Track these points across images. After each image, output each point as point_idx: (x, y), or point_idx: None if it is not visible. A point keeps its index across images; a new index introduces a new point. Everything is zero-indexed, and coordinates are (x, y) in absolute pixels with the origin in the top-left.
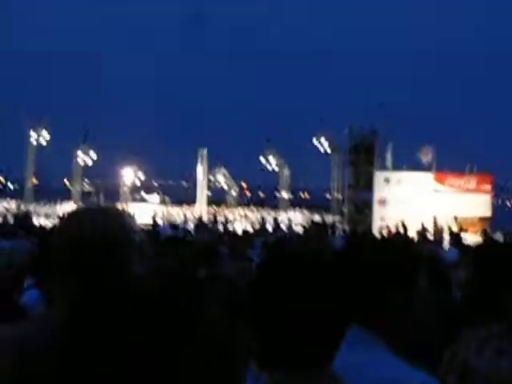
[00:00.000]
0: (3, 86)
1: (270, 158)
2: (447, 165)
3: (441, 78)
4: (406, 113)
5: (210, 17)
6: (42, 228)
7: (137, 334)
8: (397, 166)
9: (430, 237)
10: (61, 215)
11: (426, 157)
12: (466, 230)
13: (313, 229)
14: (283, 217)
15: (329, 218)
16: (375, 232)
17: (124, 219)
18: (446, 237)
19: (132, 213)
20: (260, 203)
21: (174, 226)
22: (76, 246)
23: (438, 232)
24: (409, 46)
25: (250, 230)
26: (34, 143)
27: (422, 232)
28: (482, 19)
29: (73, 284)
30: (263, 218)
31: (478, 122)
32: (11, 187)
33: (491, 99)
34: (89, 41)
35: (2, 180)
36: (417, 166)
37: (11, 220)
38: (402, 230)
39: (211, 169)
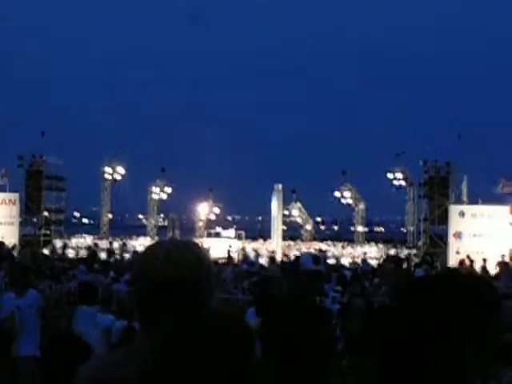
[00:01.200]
0: (79, 122)
1: (345, 191)
2: None
3: None
4: (481, 144)
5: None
6: (119, 262)
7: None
8: (472, 199)
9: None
10: (138, 250)
11: (504, 189)
12: None
13: (389, 264)
14: (358, 251)
15: (404, 252)
16: (451, 265)
17: (201, 253)
18: None
19: (207, 247)
20: (335, 237)
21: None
22: (150, 283)
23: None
24: (485, 72)
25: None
26: (109, 178)
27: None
28: None
29: (162, 320)
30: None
31: None
32: (86, 222)
33: None
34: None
35: (77, 215)
36: (492, 199)
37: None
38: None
39: (286, 203)
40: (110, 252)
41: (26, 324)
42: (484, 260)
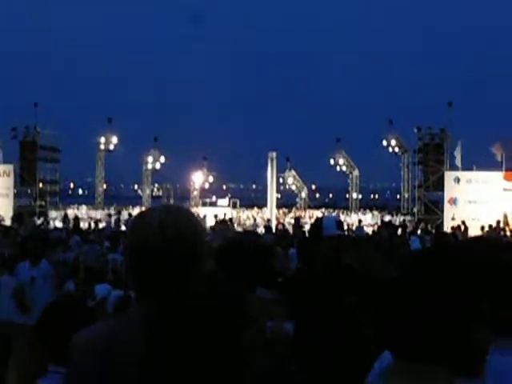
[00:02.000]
0: (72, 93)
1: (340, 159)
2: None
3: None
4: (474, 111)
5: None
6: (114, 232)
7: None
8: (466, 164)
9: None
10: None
11: (498, 152)
12: None
13: (384, 230)
14: (353, 218)
15: (399, 218)
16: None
17: (193, 218)
18: None
19: (203, 215)
20: (330, 205)
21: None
22: (145, 251)
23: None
24: (477, 45)
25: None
26: (103, 148)
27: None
28: None
29: (156, 290)
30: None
31: None
32: (81, 193)
33: None
34: (146, 41)
35: (72, 186)
36: (487, 164)
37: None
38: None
39: (281, 171)
40: (97, 221)
41: (41, 294)
42: (482, 228)
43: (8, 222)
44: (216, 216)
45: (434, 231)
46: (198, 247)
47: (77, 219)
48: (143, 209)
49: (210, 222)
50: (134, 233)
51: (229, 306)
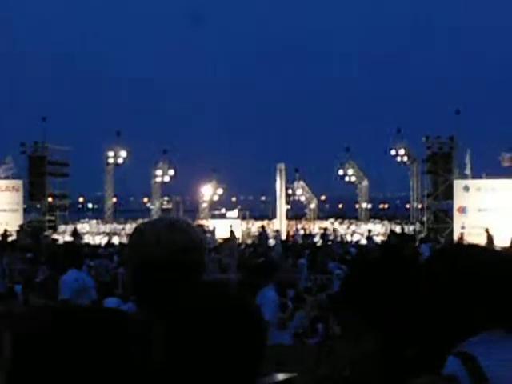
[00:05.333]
0: (80, 107)
1: (349, 169)
2: None
3: None
4: (483, 118)
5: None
6: (123, 246)
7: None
8: (476, 173)
9: None
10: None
11: (508, 161)
12: None
13: (393, 239)
14: (363, 228)
15: (409, 228)
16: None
17: (192, 232)
18: None
19: (212, 228)
20: (340, 215)
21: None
22: (143, 266)
23: None
24: (484, 51)
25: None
26: (112, 162)
27: None
28: None
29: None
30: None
31: None
32: (90, 207)
33: None
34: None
35: (82, 200)
36: (496, 172)
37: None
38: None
39: (290, 183)
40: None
41: None
42: (487, 230)
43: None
44: (231, 226)
45: (443, 240)
46: (197, 261)
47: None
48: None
49: (220, 234)
50: (133, 249)
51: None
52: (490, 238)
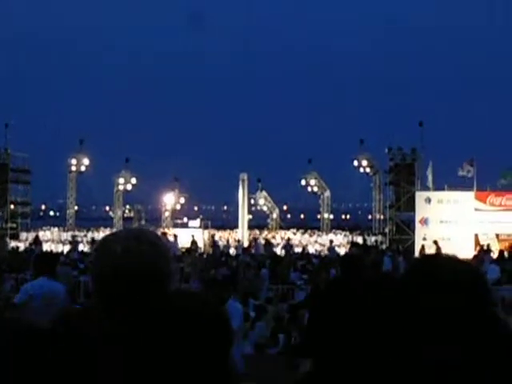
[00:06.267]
0: (42, 115)
1: (311, 180)
2: (489, 180)
3: (483, 94)
4: (445, 130)
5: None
6: (84, 254)
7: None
8: (438, 184)
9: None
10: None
11: (465, 170)
12: (508, 248)
13: (355, 250)
14: (325, 238)
15: (371, 239)
16: (417, 251)
17: (158, 242)
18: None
19: (174, 237)
20: (302, 225)
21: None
22: (108, 276)
23: (480, 250)
24: (447, 63)
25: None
26: (74, 170)
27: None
28: None
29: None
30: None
31: None
32: (52, 214)
33: None
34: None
35: (44, 208)
36: (458, 184)
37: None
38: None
39: (252, 192)
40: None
41: None
42: (435, 242)
43: None
44: (193, 236)
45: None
46: (162, 270)
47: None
48: (114, 230)
49: (182, 243)
50: (98, 259)
51: (187, 323)
52: (438, 250)
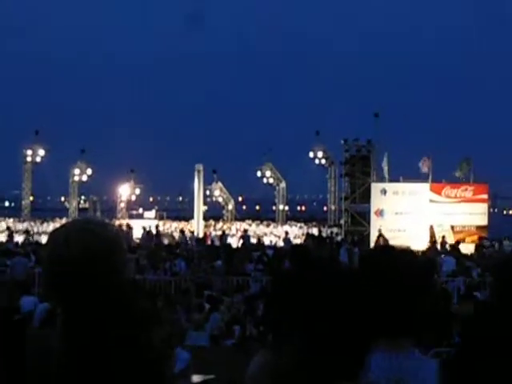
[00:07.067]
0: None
1: (267, 171)
2: (444, 173)
3: (438, 86)
4: (401, 122)
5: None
6: (39, 245)
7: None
8: (393, 176)
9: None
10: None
11: (426, 167)
12: (463, 240)
13: (310, 241)
14: (280, 230)
15: (326, 230)
16: (372, 243)
17: (103, 232)
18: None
19: (130, 228)
20: (257, 217)
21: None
22: (53, 267)
23: (434, 241)
24: (402, 51)
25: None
26: (30, 160)
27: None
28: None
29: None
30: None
31: (475, 130)
32: (7, 205)
33: (488, 107)
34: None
35: None
36: (414, 176)
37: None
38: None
39: (208, 184)
40: (28, 234)
41: None
42: (380, 232)
43: None
44: (144, 228)
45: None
46: (108, 260)
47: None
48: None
49: (137, 235)
50: (45, 248)
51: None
52: (385, 241)
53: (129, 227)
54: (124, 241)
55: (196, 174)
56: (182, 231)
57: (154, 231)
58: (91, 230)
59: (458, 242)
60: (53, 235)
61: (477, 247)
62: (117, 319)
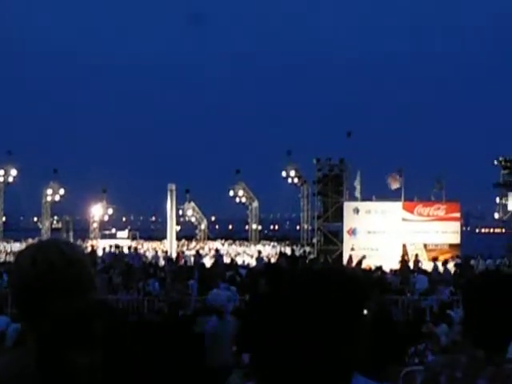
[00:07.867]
0: None
1: (239, 191)
2: (417, 192)
3: (411, 106)
4: (373, 141)
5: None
6: (11, 265)
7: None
8: (366, 195)
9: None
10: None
11: (395, 183)
12: (436, 258)
13: (283, 260)
14: (253, 249)
15: (299, 250)
16: (345, 262)
17: (69, 252)
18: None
19: (102, 248)
20: (229, 236)
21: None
22: (19, 282)
23: (407, 260)
24: (374, 71)
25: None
26: (2, 180)
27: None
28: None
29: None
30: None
31: (448, 150)
32: None
33: (461, 127)
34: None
35: None
36: (386, 194)
37: None
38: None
39: (180, 203)
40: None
41: None
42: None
43: None
44: (117, 246)
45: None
46: (74, 279)
47: None
48: None
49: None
50: (13, 269)
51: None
52: (356, 261)
53: (93, 248)
54: (91, 261)
55: (169, 193)
56: (155, 251)
57: (126, 251)
58: (58, 249)
59: (434, 259)
60: (21, 254)
61: (445, 264)
62: (77, 338)
